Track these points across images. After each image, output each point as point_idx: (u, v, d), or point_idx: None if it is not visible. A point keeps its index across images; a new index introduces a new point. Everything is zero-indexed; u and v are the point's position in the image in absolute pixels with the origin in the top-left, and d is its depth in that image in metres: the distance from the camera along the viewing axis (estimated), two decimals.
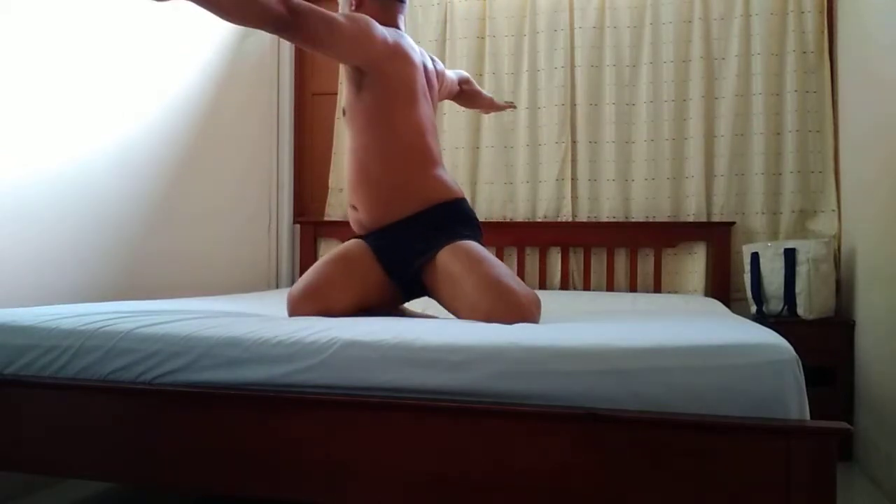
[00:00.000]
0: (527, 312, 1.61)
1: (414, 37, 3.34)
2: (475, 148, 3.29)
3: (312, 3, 1.65)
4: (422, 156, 1.84)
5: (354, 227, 1.92)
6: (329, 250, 3.40)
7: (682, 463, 1.14)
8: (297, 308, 1.75)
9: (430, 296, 1.85)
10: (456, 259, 1.72)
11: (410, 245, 1.78)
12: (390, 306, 1.86)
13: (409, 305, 2.00)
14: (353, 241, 1.91)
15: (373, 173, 1.80)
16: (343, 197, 3.41)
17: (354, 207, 1.87)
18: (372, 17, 1.78)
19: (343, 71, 1.84)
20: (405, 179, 1.81)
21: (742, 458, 1.12)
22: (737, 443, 1.12)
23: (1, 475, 1.81)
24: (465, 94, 2.39)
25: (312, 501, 1.35)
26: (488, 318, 1.58)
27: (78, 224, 2.23)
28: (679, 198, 3.08)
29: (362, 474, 1.27)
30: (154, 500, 2.11)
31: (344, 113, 1.86)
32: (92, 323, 1.50)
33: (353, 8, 1.89)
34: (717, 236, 2.99)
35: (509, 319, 1.55)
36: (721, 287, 2.96)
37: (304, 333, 1.37)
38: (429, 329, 1.39)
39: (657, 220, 3.09)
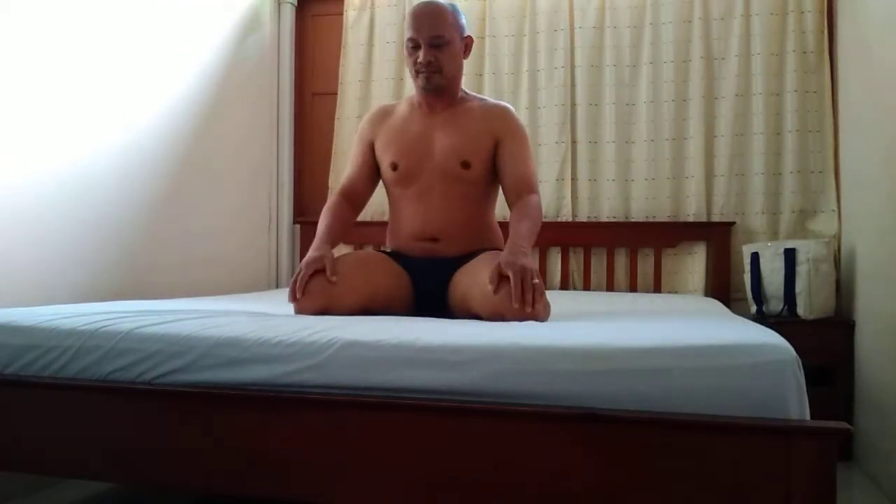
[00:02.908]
0: (535, 308, 1.63)
1: None
2: None
3: None
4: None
5: (412, 251, 1.99)
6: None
7: (682, 463, 1.14)
8: (301, 302, 1.76)
9: (447, 308, 1.90)
10: (480, 257, 1.87)
11: (453, 268, 1.91)
12: (398, 313, 1.88)
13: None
14: (370, 250, 2.02)
15: (474, 216, 2.00)
16: None
17: (434, 239, 1.95)
18: None
19: (477, 134, 1.97)
20: (491, 223, 2.06)
21: (742, 458, 1.12)
22: (737, 443, 1.12)
23: (1, 475, 1.81)
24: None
25: (312, 501, 1.35)
26: (497, 308, 1.61)
27: (78, 224, 2.23)
28: (679, 198, 3.08)
29: (362, 474, 1.27)
30: (154, 500, 2.11)
31: (468, 165, 1.95)
32: (92, 323, 1.50)
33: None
34: (717, 236, 2.99)
35: (516, 311, 1.57)
36: (721, 287, 2.96)
37: (304, 333, 1.37)
38: (429, 329, 1.39)
39: (657, 220, 3.09)
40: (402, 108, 2.08)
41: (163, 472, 1.40)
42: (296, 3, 3.50)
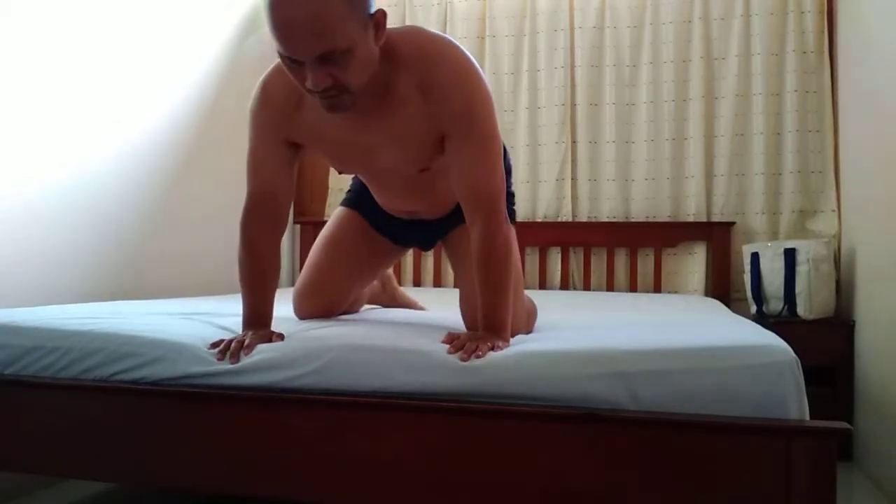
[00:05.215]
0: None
1: None
2: None
3: None
4: None
5: (397, 212, 1.86)
6: None
7: (682, 463, 1.14)
8: (303, 307, 1.76)
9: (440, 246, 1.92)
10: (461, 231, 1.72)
11: (439, 226, 1.84)
12: (390, 265, 2.04)
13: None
14: (341, 218, 1.92)
15: (444, 191, 1.72)
16: (342, 197, 3.40)
17: (413, 212, 1.82)
18: None
19: (423, 143, 1.53)
20: None
21: (742, 458, 1.12)
22: (737, 443, 1.13)
23: (1, 475, 1.81)
24: None
25: (313, 502, 1.35)
26: (474, 314, 1.51)
27: (79, 225, 2.23)
28: (679, 198, 3.08)
29: (362, 475, 1.27)
30: (154, 500, 2.11)
31: (426, 169, 1.64)
32: (93, 325, 1.50)
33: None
34: (717, 236, 2.99)
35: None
36: (721, 287, 2.96)
37: (304, 337, 1.37)
38: (428, 332, 1.39)
39: (657, 220, 3.09)
40: (312, 99, 1.42)
41: (163, 473, 1.40)
42: None
